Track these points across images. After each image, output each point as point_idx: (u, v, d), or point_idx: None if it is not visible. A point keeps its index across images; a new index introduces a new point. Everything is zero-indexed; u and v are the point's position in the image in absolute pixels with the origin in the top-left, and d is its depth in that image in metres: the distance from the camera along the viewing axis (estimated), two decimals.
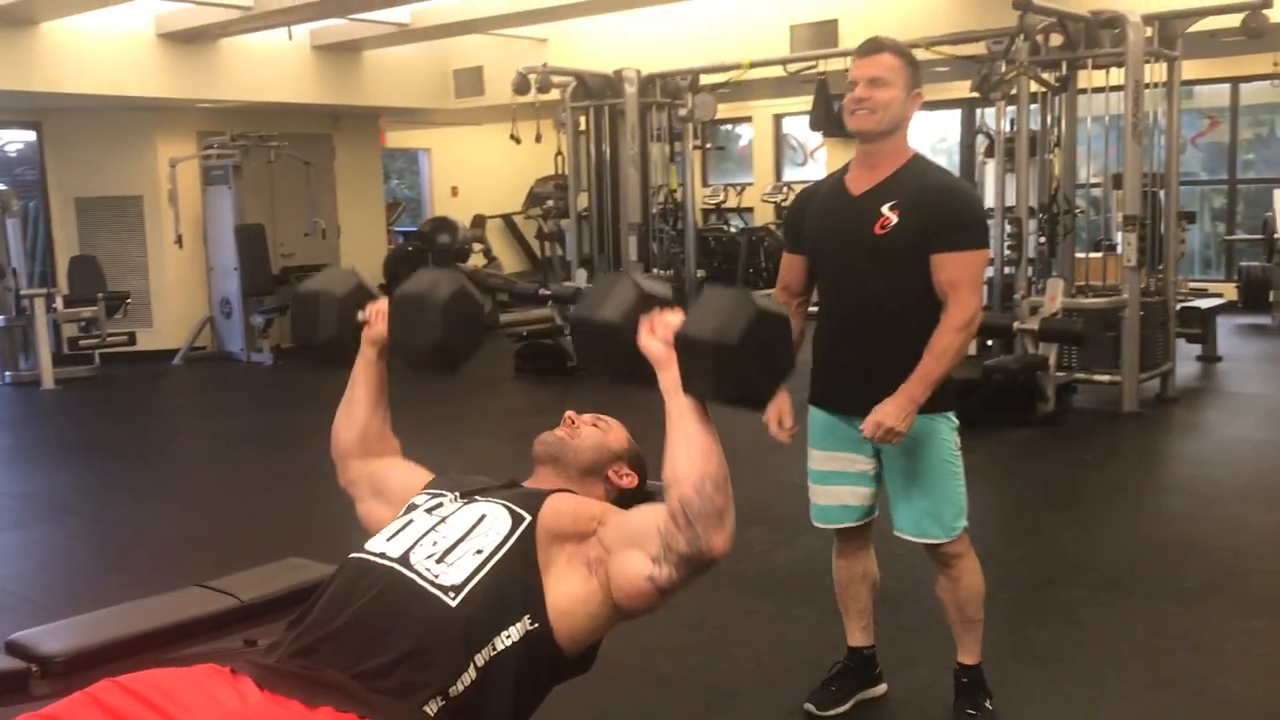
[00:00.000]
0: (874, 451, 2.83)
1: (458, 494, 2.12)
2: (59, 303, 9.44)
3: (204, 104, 10.29)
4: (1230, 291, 11.15)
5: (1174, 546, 4.53)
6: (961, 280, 2.65)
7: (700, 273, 9.91)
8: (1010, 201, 7.58)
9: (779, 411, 2.91)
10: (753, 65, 8.56)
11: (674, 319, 1.92)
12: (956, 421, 2.83)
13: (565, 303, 8.98)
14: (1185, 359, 8.26)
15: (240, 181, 10.42)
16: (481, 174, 14.55)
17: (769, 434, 2.94)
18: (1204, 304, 8.83)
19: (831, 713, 3.05)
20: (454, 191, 14.91)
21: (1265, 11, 6.76)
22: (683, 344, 1.87)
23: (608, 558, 1.93)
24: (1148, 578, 4.15)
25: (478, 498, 2.08)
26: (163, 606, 2.73)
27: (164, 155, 10.35)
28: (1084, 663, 3.41)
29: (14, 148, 11.67)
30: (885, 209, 2.69)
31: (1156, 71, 7.05)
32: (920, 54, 7.72)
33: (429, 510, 2.08)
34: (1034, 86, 7.15)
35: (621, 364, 1.98)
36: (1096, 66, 6.97)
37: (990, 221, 7.97)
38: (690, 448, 1.87)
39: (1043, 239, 7.35)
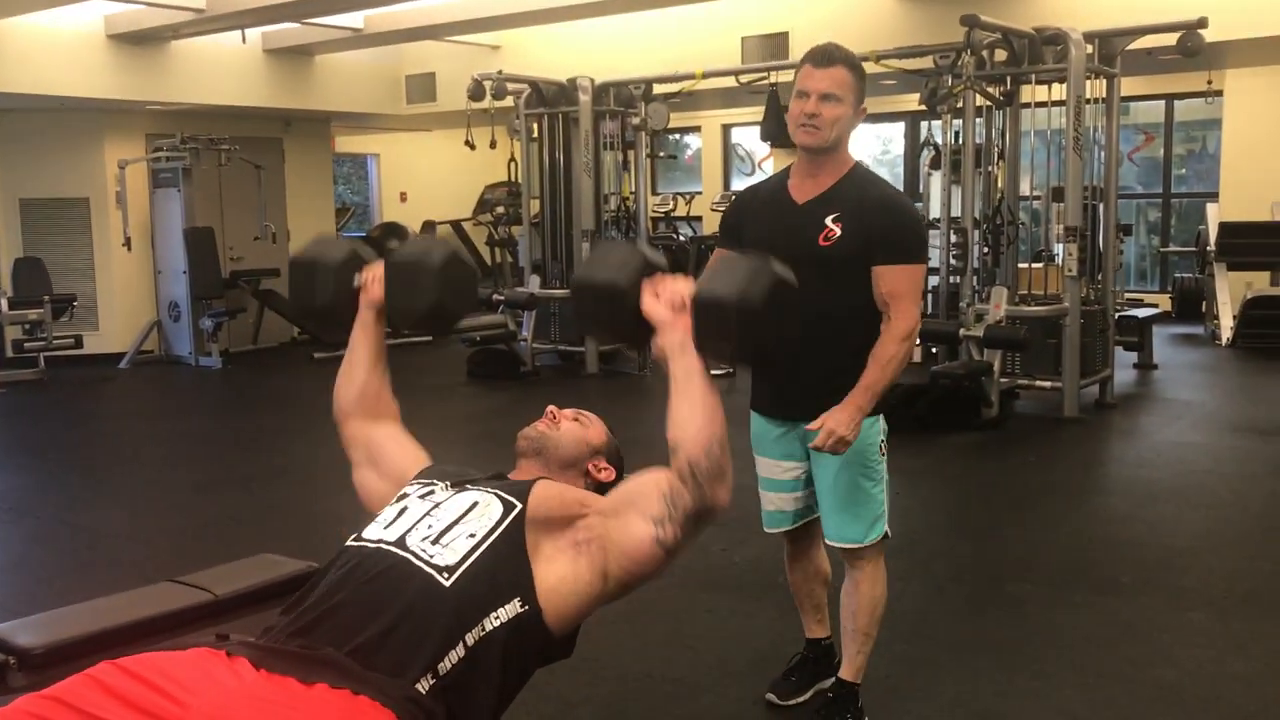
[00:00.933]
0: (804, 455, 2.88)
1: (449, 483, 2.20)
2: (3, 305, 9.32)
3: (154, 106, 10.22)
4: (1165, 302, 11.51)
5: (1113, 544, 4.70)
6: (903, 292, 2.72)
7: None
8: (956, 212, 7.78)
9: None
10: (705, 75, 8.70)
11: (681, 284, 2.03)
12: (883, 425, 2.88)
13: (518, 308, 9.05)
14: (1123, 366, 8.50)
15: (190, 184, 10.35)
16: (431, 180, 14.56)
17: None
18: (1140, 313, 9.11)
19: (792, 702, 3.15)
20: (403, 197, 14.91)
21: (1200, 31, 7.01)
22: (704, 304, 1.98)
23: (605, 530, 2.03)
24: (1090, 574, 4.31)
25: (469, 486, 2.16)
26: (137, 601, 2.76)
27: (112, 157, 10.26)
28: (1033, 654, 3.55)
29: None
30: (829, 220, 2.73)
31: (1097, 87, 7.28)
32: (869, 67, 7.99)
33: (421, 497, 2.16)
34: (979, 100, 7.35)
35: (623, 325, 2.08)
36: (1039, 82, 7.18)
37: (935, 232, 8.19)
38: (697, 409, 1.98)
39: (986, 249, 7.56)
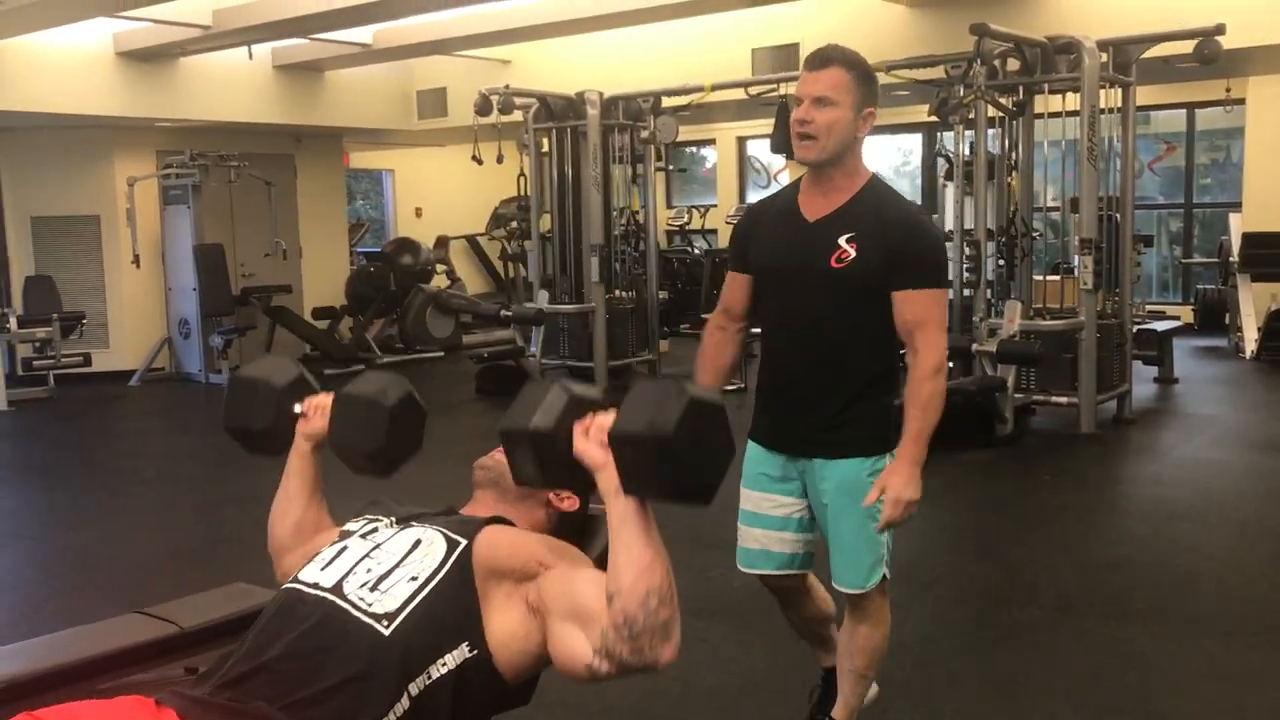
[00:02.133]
0: (803, 492, 2.70)
1: (393, 519, 2.10)
2: (13, 323, 9.31)
3: (163, 123, 10.21)
4: (1187, 314, 11.30)
5: (1127, 567, 4.55)
6: (928, 319, 2.53)
7: (663, 294, 9.92)
8: (969, 224, 7.64)
9: None
10: (714, 88, 8.60)
11: (608, 419, 1.84)
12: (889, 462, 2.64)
13: (526, 324, 8.96)
14: (1143, 381, 8.33)
15: (199, 201, 10.33)
16: (445, 195, 14.53)
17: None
18: (1160, 326, 8.93)
19: None
20: (418, 212, 14.89)
21: (1218, 38, 6.86)
22: (617, 441, 1.80)
23: (548, 617, 1.87)
24: (1101, 598, 4.17)
25: (413, 523, 2.05)
26: (101, 634, 2.67)
27: (122, 174, 10.25)
28: (1037, 685, 3.41)
29: None
30: (843, 240, 2.53)
31: (1112, 97, 7.13)
32: (880, 78, 7.90)
33: (363, 536, 2.05)
34: (992, 111, 7.22)
35: (557, 472, 1.91)
36: (1053, 91, 7.05)
37: (949, 245, 8.06)
38: (632, 559, 1.78)
39: (1001, 262, 7.42)
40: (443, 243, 13.62)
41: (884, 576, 2.70)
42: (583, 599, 1.85)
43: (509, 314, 8.92)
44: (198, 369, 10.47)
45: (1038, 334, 7.00)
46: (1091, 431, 6.89)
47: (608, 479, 1.83)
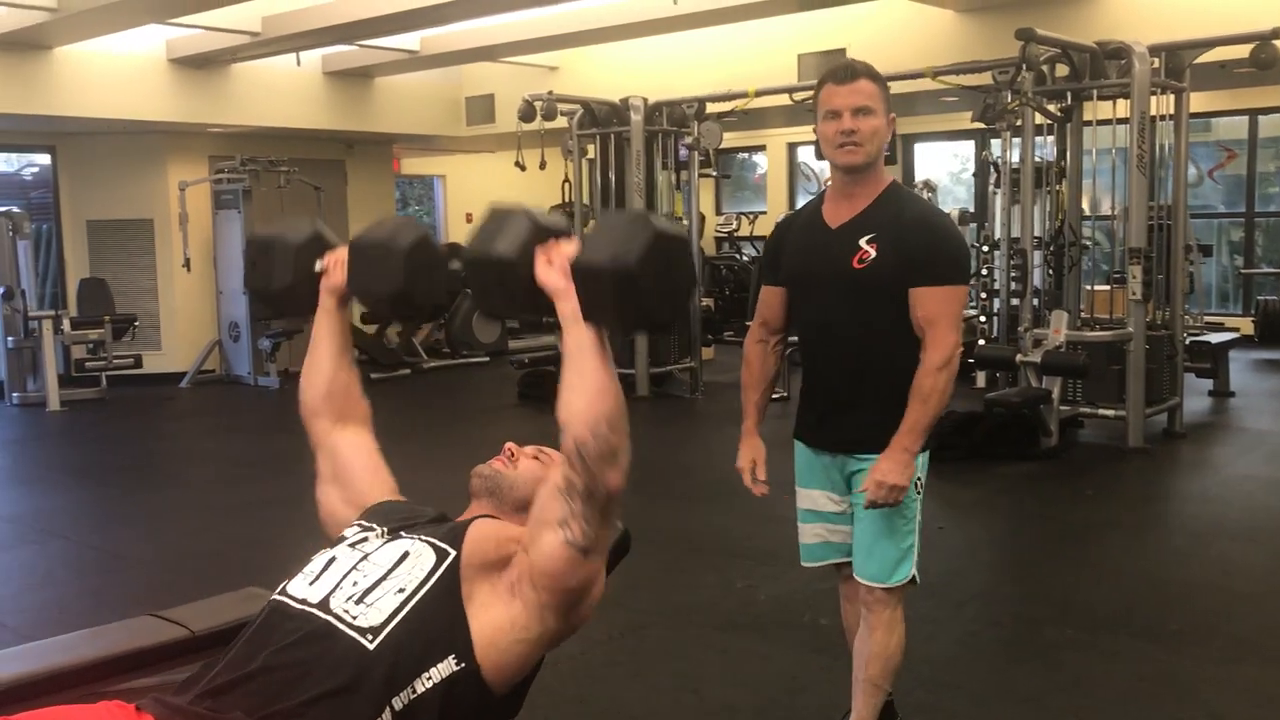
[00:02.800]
0: (849, 488, 2.75)
1: (385, 529, 2.07)
2: (66, 325, 9.47)
3: (215, 128, 10.34)
4: (1247, 326, 11.00)
5: (1167, 587, 4.42)
6: (939, 316, 2.59)
7: (707, 301, 9.86)
8: (1016, 233, 7.50)
9: (752, 460, 2.85)
10: (758, 93, 8.53)
11: (571, 248, 1.85)
12: (923, 462, 2.68)
13: None
14: (1196, 394, 8.12)
15: (250, 205, 10.46)
16: (495, 200, 14.57)
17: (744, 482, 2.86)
18: (1215, 338, 8.69)
19: None
20: (469, 218, 14.93)
21: (1275, 42, 6.66)
22: (580, 271, 1.80)
23: (528, 561, 1.88)
24: (1137, 619, 4.04)
25: (403, 534, 2.02)
26: (110, 636, 2.67)
27: (175, 179, 10.41)
28: (1063, 707, 3.31)
29: (30, 171, 11.77)
30: (863, 242, 2.63)
31: (1164, 103, 6.97)
32: (925, 84, 7.81)
33: (353, 545, 2.03)
34: (1040, 118, 7.08)
35: (520, 299, 1.91)
36: (1102, 98, 6.89)
37: (996, 253, 7.93)
38: (586, 384, 1.82)
39: (1050, 271, 7.27)
40: None
41: (912, 578, 2.72)
42: (537, 506, 1.91)
43: (550, 319, 8.88)
44: (247, 371, 10.58)
45: (1084, 345, 6.85)
46: (1140, 445, 6.71)
47: (568, 306, 1.84)
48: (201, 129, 10.34)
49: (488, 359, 11.56)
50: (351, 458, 2.29)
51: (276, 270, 2.29)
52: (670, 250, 1.80)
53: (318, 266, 2.28)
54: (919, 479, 2.69)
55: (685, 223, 9.38)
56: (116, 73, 9.20)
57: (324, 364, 2.31)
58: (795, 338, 2.92)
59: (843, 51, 8.86)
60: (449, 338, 11.78)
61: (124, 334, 9.89)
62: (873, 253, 2.61)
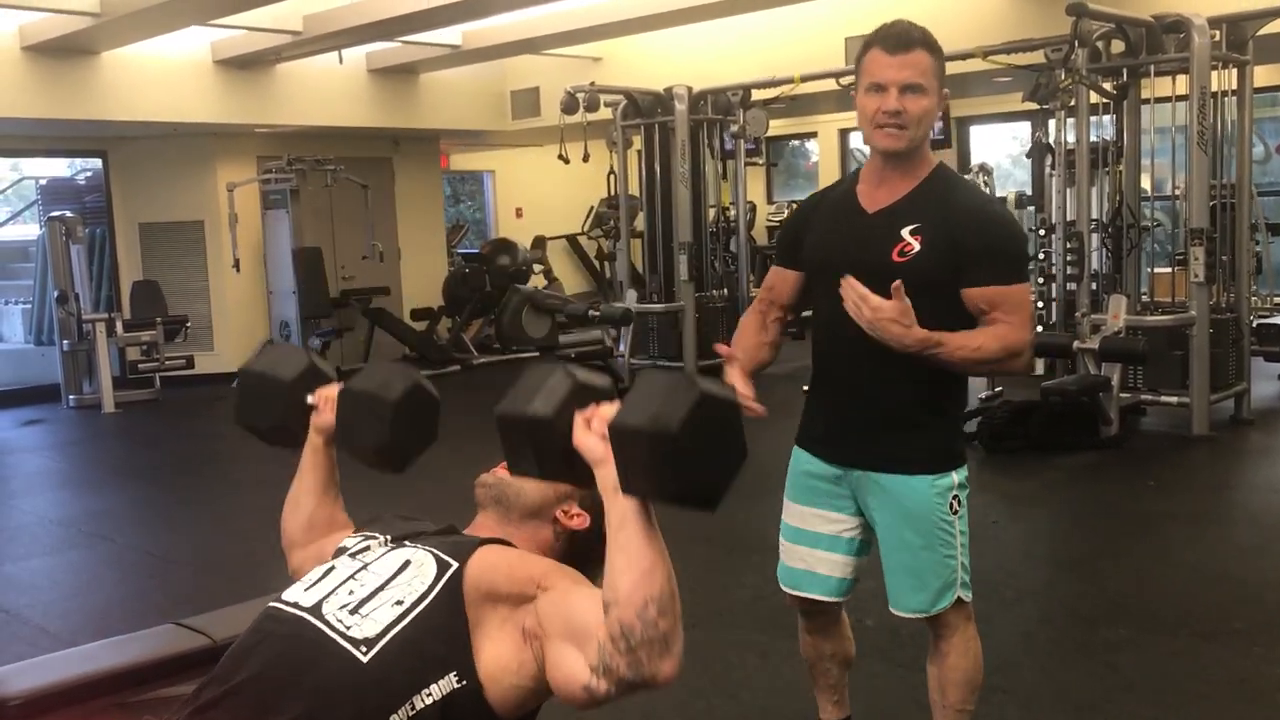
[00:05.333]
0: (858, 510, 2.48)
1: (388, 538, 1.99)
2: (120, 327, 9.56)
3: (262, 129, 10.38)
4: None
5: (1232, 583, 4.22)
6: (1016, 310, 2.31)
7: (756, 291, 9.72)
8: (1071, 215, 7.28)
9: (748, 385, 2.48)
10: (803, 79, 8.36)
11: (612, 411, 1.69)
12: (958, 479, 2.42)
13: (614, 324, 8.86)
14: (1265, 378, 7.84)
15: (298, 205, 10.48)
16: (545, 195, 14.52)
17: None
18: None
19: None
20: (518, 213, 14.91)
21: None
22: (618, 435, 1.64)
23: (545, 640, 1.74)
24: (1200, 617, 3.86)
25: (406, 543, 1.94)
26: (132, 645, 2.67)
27: (223, 180, 10.45)
28: (1119, 713, 3.16)
29: (84, 176, 11.92)
30: (906, 233, 2.31)
31: (1226, 78, 6.71)
32: (976, 64, 7.59)
33: (353, 555, 1.96)
34: (1095, 97, 6.85)
35: (554, 463, 1.76)
36: (1160, 74, 6.65)
37: (1054, 237, 7.70)
38: (631, 563, 1.63)
39: (1108, 254, 7.04)
40: (539, 243, 13.62)
41: (959, 599, 2.44)
42: (580, 616, 1.71)
43: (597, 314, 8.82)
44: None
45: (1144, 330, 6.62)
46: (1205, 433, 6.48)
47: (607, 475, 1.68)
48: (248, 130, 10.38)
49: (538, 354, 11.50)
50: (329, 546, 2.18)
51: (269, 406, 2.27)
52: (718, 414, 1.63)
53: (309, 400, 2.23)
54: (955, 496, 2.40)
55: (733, 212, 9.25)
56: (163, 76, 9.24)
57: (307, 499, 2.27)
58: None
59: None
60: (499, 333, 11.76)
61: (176, 335, 9.96)
62: (917, 245, 2.30)
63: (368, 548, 1.97)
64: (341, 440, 2.19)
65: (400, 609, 1.78)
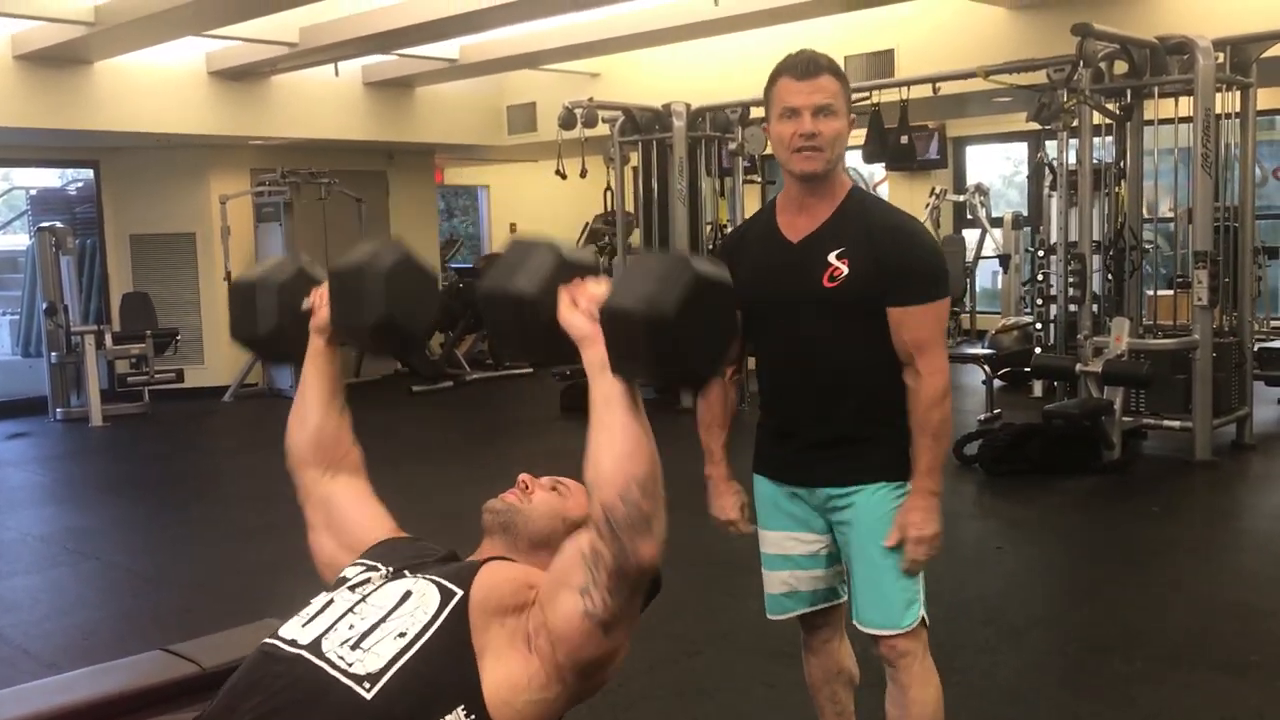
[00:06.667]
0: (826, 526, 2.47)
1: (389, 569, 1.90)
2: (109, 340, 9.45)
3: (256, 141, 10.29)
4: None
5: (1244, 613, 4.14)
6: (930, 338, 2.34)
7: None
8: (1073, 236, 7.23)
9: (741, 506, 2.58)
10: None
11: (599, 289, 1.67)
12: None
13: None
14: (1266, 403, 7.80)
15: (291, 218, 10.39)
16: (540, 210, 14.43)
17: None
18: None
19: None
20: (512, 228, 14.83)
21: None
22: (610, 317, 1.62)
23: (542, 606, 1.71)
24: (1213, 648, 3.78)
25: (406, 573, 1.85)
26: (120, 673, 2.56)
27: (216, 192, 10.37)
28: None
29: (75, 187, 11.81)
30: (832, 258, 2.33)
31: (1230, 100, 6.67)
32: (977, 84, 7.55)
33: (353, 587, 1.86)
34: (1098, 117, 6.80)
35: (539, 343, 1.73)
36: (1164, 95, 6.61)
37: (1052, 258, 7.64)
38: (615, 443, 1.63)
39: (1109, 276, 6.98)
40: None
41: (922, 620, 2.42)
42: (561, 562, 1.72)
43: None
44: (289, 385, 10.49)
45: (1147, 353, 6.56)
46: (1207, 458, 6.40)
47: (594, 354, 1.66)
48: (242, 142, 10.30)
49: (531, 370, 11.41)
50: (346, 507, 2.13)
51: (260, 314, 2.14)
52: (713, 296, 1.61)
53: (304, 305, 2.13)
54: None
55: (730, 230, 9.18)
56: (157, 86, 9.16)
57: (313, 410, 2.15)
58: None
59: (891, 53, 8.63)
60: (492, 349, 11.66)
61: (166, 348, 9.86)
62: (844, 269, 2.32)
63: (368, 579, 1.88)
64: (338, 326, 2.06)
65: (404, 641, 1.70)
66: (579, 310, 1.67)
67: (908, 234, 2.39)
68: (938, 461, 2.35)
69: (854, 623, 2.46)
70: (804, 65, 2.31)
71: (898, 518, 2.35)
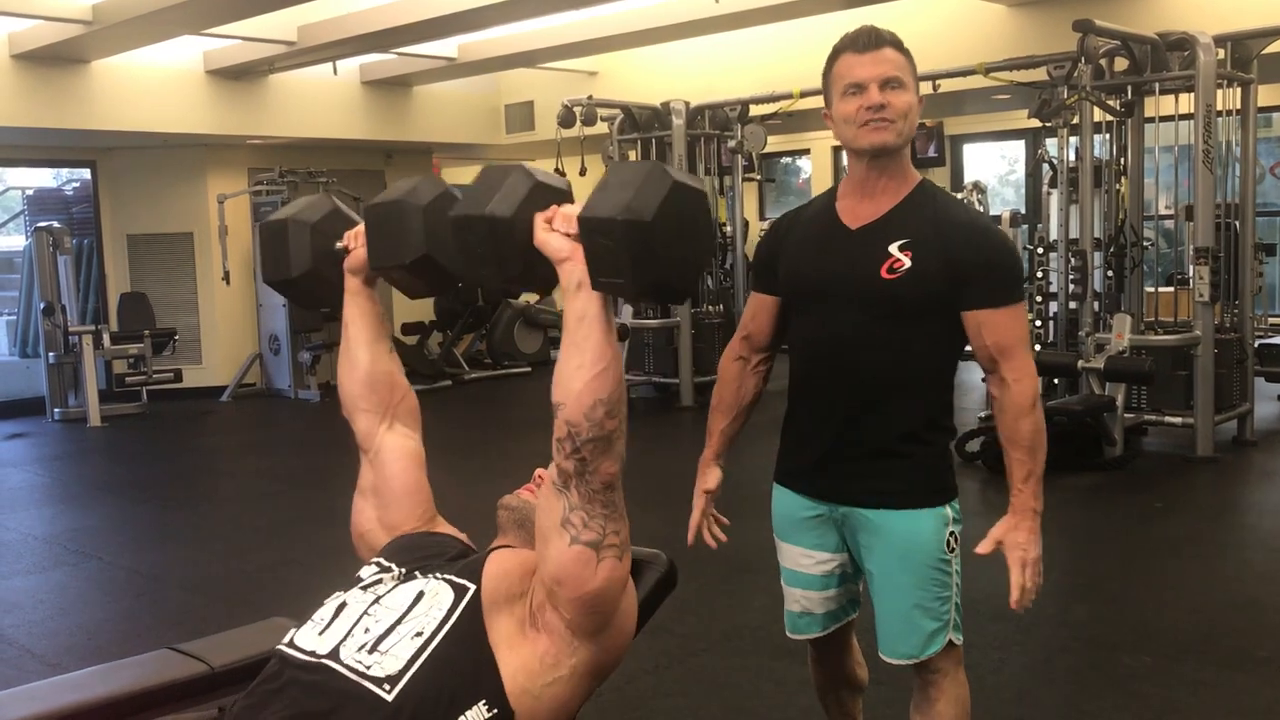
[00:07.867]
0: (842, 545, 2.33)
1: (402, 570, 1.89)
2: (107, 340, 9.42)
3: (254, 140, 10.27)
4: None
5: (1250, 609, 4.13)
6: (1016, 342, 2.16)
7: None
8: (1074, 233, 7.22)
9: (715, 478, 2.46)
10: (803, 94, 8.30)
11: (574, 209, 1.69)
12: (952, 513, 2.25)
13: None
14: (1266, 399, 7.80)
15: None
16: None
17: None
18: None
19: None
20: None
21: None
22: (588, 226, 1.63)
23: (541, 573, 1.74)
24: (1220, 644, 3.77)
25: (418, 574, 1.85)
26: (126, 672, 2.56)
27: (214, 192, 10.34)
28: None
29: (72, 186, 11.77)
30: (894, 249, 2.16)
31: (1230, 97, 6.66)
32: (978, 81, 7.54)
33: (365, 588, 1.86)
34: (1099, 114, 6.80)
35: (514, 265, 1.72)
36: (1165, 92, 6.61)
37: (1053, 255, 7.64)
38: (585, 363, 1.65)
39: (1109, 273, 6.98)
40: None
41: (950, 643, 2.27)
42: (540, 513, 1.78)
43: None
44: (287, 385, 10.49)
45: (1149, 350, 6.56)
46: (1209, 454, 6.40)
47: (572, 271, 1.67)
48: (240, 141, 10.27)
49: (529, 369, 11.40)
50: (395, 473, 2.12)
51: (293, 255, 2.11)
52: (690, 205, 1.63)
53: (338, 245, 2.10)
54: (951, 534, 2.24)
55: (730, 229, 9.18)
56: (154, 85, 9.13)
57: (359, 352, 2.13)
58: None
59: None
60: (490, 348, 11.65)
61: (164, 348, 9.83)
62: (907, 261, 2.15)
63: (380, 580, 1.88)
64: (374, 263, 2.03)
65: (421, 640, 1.71)
66: (554, 230, 1.69)
67: (983, 231, 2.23)
68: (1037, 476, 2.16)
69: (880, 655, 2.31)
70: (866, 38, 2.18)
71: (995, 533, 2.18)
